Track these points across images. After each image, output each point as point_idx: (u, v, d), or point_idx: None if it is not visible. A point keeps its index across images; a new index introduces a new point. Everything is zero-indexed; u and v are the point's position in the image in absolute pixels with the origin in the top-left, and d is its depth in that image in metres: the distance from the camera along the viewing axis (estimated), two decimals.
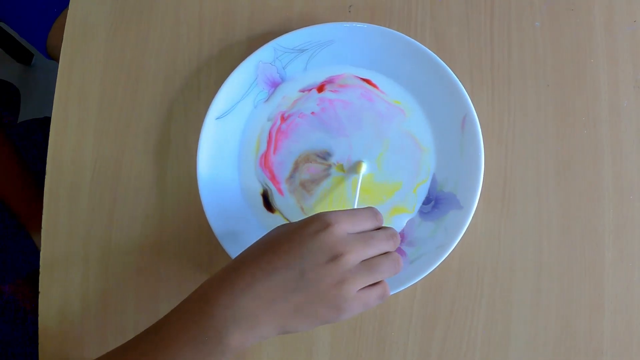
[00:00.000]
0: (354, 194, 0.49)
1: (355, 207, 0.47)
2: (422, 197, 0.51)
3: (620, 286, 0.50)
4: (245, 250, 0.41)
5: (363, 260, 0.40)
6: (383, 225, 0.42)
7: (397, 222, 0.50)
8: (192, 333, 0.38)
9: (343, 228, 0.39)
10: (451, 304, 0.51)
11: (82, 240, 0.53)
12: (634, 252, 0.50)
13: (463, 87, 0.49)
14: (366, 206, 0.42)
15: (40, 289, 0.53)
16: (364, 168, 0.50)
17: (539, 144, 0.52)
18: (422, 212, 0.50)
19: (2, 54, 1.24)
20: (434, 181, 0.50)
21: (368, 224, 0.41)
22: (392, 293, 0.48)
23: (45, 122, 0.82)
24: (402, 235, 0.50)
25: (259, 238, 0.42)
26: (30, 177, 0.70)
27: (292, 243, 0.39)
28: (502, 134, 0.52)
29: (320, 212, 0.40)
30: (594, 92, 0.52)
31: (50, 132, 0.55)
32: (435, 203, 0.50)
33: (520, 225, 0.51)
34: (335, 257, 0.38)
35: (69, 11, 0.56)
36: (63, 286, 0.53)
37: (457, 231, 0.48)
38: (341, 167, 0.51)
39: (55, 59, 0.77)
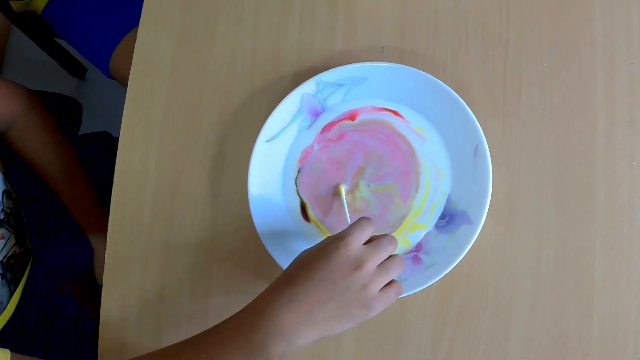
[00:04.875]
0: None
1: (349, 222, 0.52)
2: (438, 214, 0.58)
3: (608, 296, 0.55)
4: (283, 271, 0.49)
5: (378, 265, 0.48)
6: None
7: (416, 234, 0.58)
8: (241, 340, 0.45)
9: (358, 241, 0.47)
10: (460, 305, 0.57)
11: (144, 242, 0.59)
12: (622, 267, 0.56)
13: (477, 120, 0.55)
14: (360, 216, 0.49)
15: (104, 283, 0.59)
16: (343, 190, 0.58)
17: (542, 171, 0.57)
18: (438, 226, 0.58)
19: (58, 68, 1.28)
20: (449, 200, 0.58)
21: (370, 232, 0.49)
22: (409, 294, 0.55)
23: (104, 135, 0.87)
24: (420, 245, 0.58)
25: (296, 246, 0.51)
26: (90, 186, 0.76)
27: (320, 260, 0.47)
28: (510, 161, 0.58)
29: (337, 233, 0.48)
30: (592, 126, 0.57)
31: (118, 148, 0.61)
32: (449, 219, 0.57)
33: (522, 240, 0.57)
34: (358, 267, 0.46)
35: (136, 43, 0.61)
36: (125, 282, 0.59)
37: (467, 243, 0.55)
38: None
39: (117, 79, 0.85)
